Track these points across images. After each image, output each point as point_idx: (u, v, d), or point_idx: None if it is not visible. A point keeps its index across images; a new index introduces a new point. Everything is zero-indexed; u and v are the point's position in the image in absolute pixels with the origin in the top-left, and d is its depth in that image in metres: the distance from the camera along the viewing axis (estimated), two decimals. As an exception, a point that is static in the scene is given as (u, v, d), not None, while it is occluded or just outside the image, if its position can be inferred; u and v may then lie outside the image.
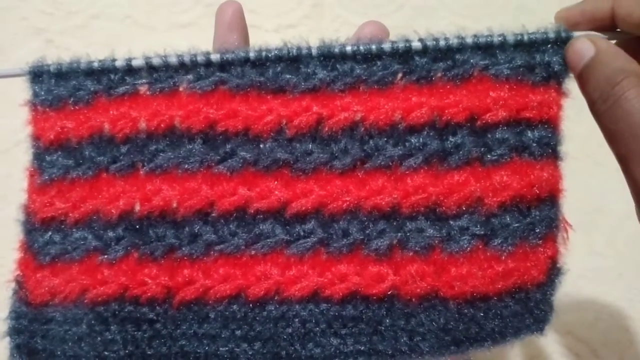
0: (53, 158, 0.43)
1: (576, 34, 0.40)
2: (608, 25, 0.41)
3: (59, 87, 0.43)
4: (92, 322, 0.41)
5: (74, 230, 0.43)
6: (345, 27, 0.81)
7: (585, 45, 0.39)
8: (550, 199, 0.41)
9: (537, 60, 0.41)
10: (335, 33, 0.83)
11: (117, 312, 0.41)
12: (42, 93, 0.44)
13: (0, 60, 0.75)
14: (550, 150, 0.41)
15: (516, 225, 0.40)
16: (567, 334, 0.68)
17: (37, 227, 0.43)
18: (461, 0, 0.83)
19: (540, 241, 0.41)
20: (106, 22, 0.78)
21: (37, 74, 0.44)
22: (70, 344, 0.41)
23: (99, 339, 0.41)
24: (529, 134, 0.41)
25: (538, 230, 0.41)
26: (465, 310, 0.40)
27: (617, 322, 0.70)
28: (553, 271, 0.42)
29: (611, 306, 0.70)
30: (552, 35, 0.40)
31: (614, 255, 0.71)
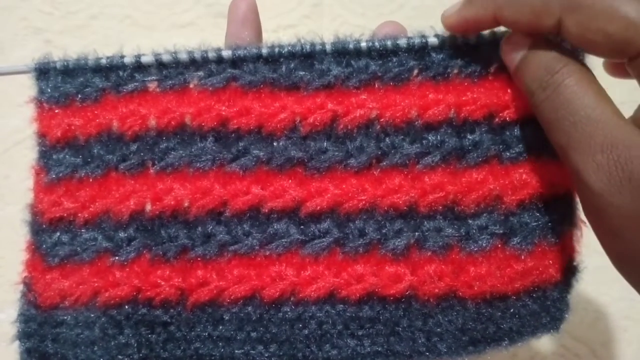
0: (60, 156, 0.42)
1: None
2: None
3: (66, 84, 0.42)
4: (105, 325, 0.40)
5: (83, 230, 0.42)
6: (345, 27, 0.80)
7: (521, 39, 0.38)
8: (567, 197, 0.40)
9: None
10: (335, 33, 0.83)
11: (130, 315, 0.40)
12: (48, 90, 0.42)
13: (0, 60, 0.74)
14: None
15: (535, 223, 0.40)
16: (566, 334, 0.68)
17: (44, 228, 0.42)
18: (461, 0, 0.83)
19: (558, 239, 0.40)
20: (106, 22, 0.77)
21: (43, 71, 0.43)
22: (82, 347, 0.40)
23: (112, 342, 0.40)
24: None
25: (556, 229, 0.40)
26: (484, 310, 0.40)
27: (616, 322, 0.70)
28: (570, 269, 0.42)
29: (611, 306, 0.71)
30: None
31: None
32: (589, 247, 0.63)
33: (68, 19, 0.76)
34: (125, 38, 0.76)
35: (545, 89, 0.37)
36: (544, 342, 0.68)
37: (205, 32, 0.77)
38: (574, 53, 0.38)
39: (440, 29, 0.41)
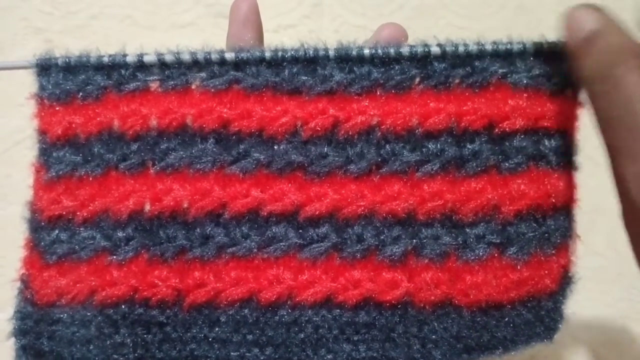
0: (60, 154, 0.42)
1: None
2: None
3: (67, 81, 0.42)
4: (101, 324, 0.40)
5: (81, 229, 0.42)
6: (345, 27, 0.81)
7: (588, 16, 0.35)
8: (565, 209, 0.41)
9: (555, 69, 0.40)
10: (335, 33, 0.83)
11: (126, 315, 0.40)
12: (50, 87, 0.42)
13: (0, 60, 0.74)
14: (566, 160, 0.41)
15: (531, 234, 0.40)
16: (566, 333, 0.69)
17: (43, 225, 0.42)
18: (460, 0, 0.83)
19: (554, 250, 0.41)
20: (106, 22, 0.77)
21: (45, 67, 0.42)
22: (78, 346, 0.40)
23: (108, 341, 0.40)
24: (546, 143, 0.41)
25: (552, 240, 0.41)
26: (479, 318, 0.40)
27: (616, 322, 0.71)
28: (565, 280, 0.42)
29: (611, 306, 0.71)
30: (571, 44, 0.40)
31: (613, 255, 0.72)
32: (589, 248, 0.64)
33: (68, 19, 0.76)
34: (125, 38, 0.76)
35: (604, 81, 0.34)
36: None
37: (205, 32, 0.77)
38: None
39: (443, 38, 0.41)
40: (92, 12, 0.77)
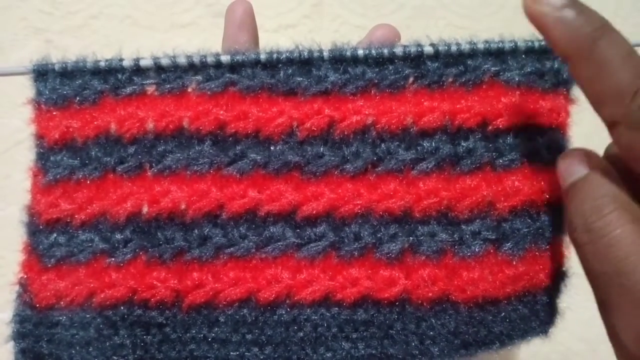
0: (58, 158, 0.42)
1: None
2: None
3: (64, 86, 0.42)
4: (101, 326, 0.40)
5: (80, 232, 0.42)
6: (345, 27, 0.81)
7: (576, 163, 0.35)
8: (558, 204, 0.41)
9: (547, 67, 0.41)
10: (335, 33, 0.83)
11: (125, 316, 0.40)
12: (47, 92, 0.43)
13: (0, 60, 0.74)
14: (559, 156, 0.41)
15: (526, 230, 0.41)
16: (566, 332, 0.69)
17: (41, 229, 0.42)
18: (460, 0, 0.84)
19: (548, 245, 0.41)
20: (106, 22, 0.77)
21: (42, 72, 0.43)
22: (77, 348, 0.41)
23: (107, 343, 0.40)
24: (539, 139, 0.41)
25: (547, 235, 0.41)
26: (476, 314, 0.41)
27: None
28: (559, 275, 0.42)
29: None
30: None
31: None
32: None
33: (68, 19, 0.76)
34: (125, 38, 0.76)
35: (589, 232, 0.32)
36: (545, 340, 0.70)
37: (205, 32, 0.77)
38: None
39: (436, 37, 0.42)
40: (92, 12, 0.77)
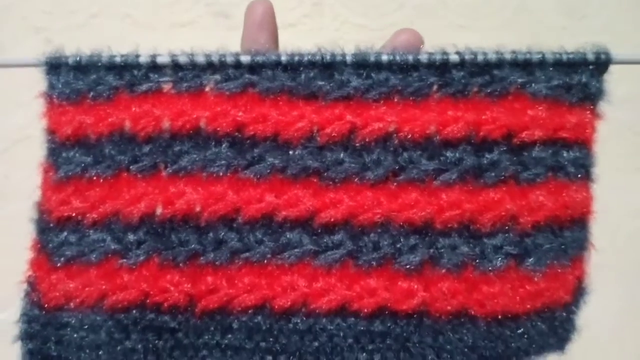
0: (70, 154, 0.41)
1: (615, 56, 0.40)
2: None
3: (78, 81, 0.41)
4: (112, 329, 0.39)
5: (91, 231, 0.41)
6: (345, 26, 0.80)
7: None
8: (581, 221, 0.41)
9: (574, 80, 0.41)
10: (335, 32, 0.83)
11: (137, 320, 0.40)
12: (59, 85, 0.42)
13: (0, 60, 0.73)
14: (584, 172, 0.41)
15: (549, 245, 0.40)
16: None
17: (51, 227, 0.41)
18: (461, -1, 0.83)
19: (570, 262, 0.41)
20: (106, 21, 0.77)
21: (55, 66, 0.42)
22: (87, 351, 0.40)
23: (118, 347, 0.39)
24: (565, 154, 0.41)
25: (569, 252, 0.41)
26: (494, 329, 0.40)
27: (616, 319, 0.71)
28: (579, 291, 0.42)
29: (611, 304, 0.71)
30: (590, 56, 0.40)
31: (614, 254, 0.72)
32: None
33: (68, 18, 0.76)
34: (125, 37, 0.75)
35: None
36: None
37: (205, 32, 0.77)
38: None
39: (463, 46, 0.41)
40: (91, 11, 0.77)
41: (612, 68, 0.41)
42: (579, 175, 0.41)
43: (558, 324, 0.41)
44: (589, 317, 0.70)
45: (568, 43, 0.42)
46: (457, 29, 0.82)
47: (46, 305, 0.40)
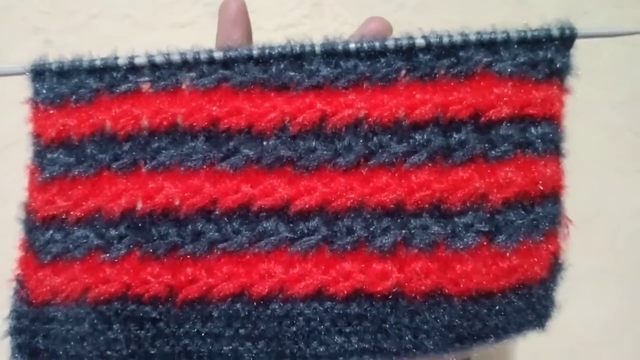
0: (54, 156, 0.43)
1: (580, 30, 0.41)
2: None
3: (61, 85, 0.43)
4: (95, 321, 0.41)
5: (75, 228, 0.42)
6: (345, 27, 0.81)
7: None
8: (553, 196, 0.41)
9: (540, 57, 0.41)
10: (335, 32, 0.83)
11: (119, 311, 0.41)
12: (44, 91, 0.43)
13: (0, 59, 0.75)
14: (553, 147, 0.41)
15: (520, 221, 0.40)
16: (566, 332, 0.68)
17: (38, 226, 0.43)
18: (461, -2, 0.83)
19: (543, 237, 0.41)
20: (105, 21, 0.77)
21: (39, 72, 0.43)
22: (72, 343, 0.41)
23: (101, 338, 0.41)
24: (533, 130, 0.41)
25: (541, 227, 0.41)
26: (470, 307, 0.40)
27: (617, 321, 0.70)
28: (555, 267, 0.42)
29: (610, 306, 0.71)
30: (555, 32, 0.40)
31: (613, 255, 0.71)
32: (588, 248, 0.64)
33: (67, 18, 0.77)
34: (125, 38, 0.76)
35: None
36: (545, 341, 0.70)
37: (205, 32, 0.77)
38: None
39: (429, 30, 0.41)
40: (91, 12, 0.78)
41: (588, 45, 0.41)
42: (548, 151, 0.41)
43: (535, 300, 0.41)
44: (589, 319, 0.69)
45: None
46: (459, 27, 0.82)
47: (34, 301, 0.42)
